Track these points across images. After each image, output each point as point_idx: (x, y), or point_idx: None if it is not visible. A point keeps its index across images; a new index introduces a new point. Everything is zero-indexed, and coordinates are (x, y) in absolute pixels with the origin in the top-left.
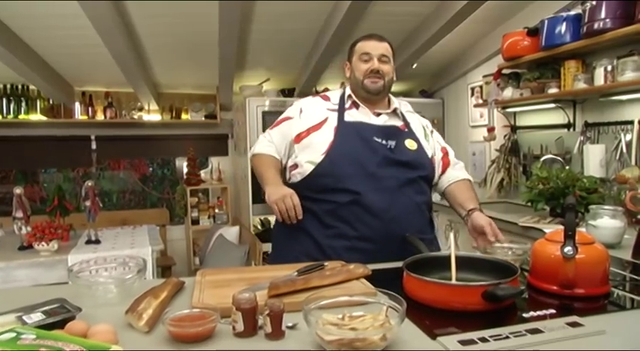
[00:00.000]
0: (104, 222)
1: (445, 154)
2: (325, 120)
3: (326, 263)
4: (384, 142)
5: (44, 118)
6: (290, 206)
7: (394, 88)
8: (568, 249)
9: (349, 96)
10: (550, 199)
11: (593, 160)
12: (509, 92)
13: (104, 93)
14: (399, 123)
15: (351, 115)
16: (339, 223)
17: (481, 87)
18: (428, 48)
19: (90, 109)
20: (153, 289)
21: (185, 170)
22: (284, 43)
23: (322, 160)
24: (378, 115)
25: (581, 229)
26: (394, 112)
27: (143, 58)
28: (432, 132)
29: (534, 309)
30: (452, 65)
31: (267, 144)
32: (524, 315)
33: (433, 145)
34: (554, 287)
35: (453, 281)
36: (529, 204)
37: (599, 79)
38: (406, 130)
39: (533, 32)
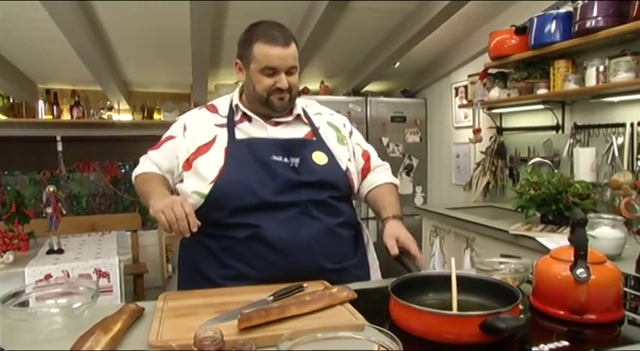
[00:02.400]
0: (71, 228)
1: (367, 159)
2: (214, 139)
3: (305, 284)
4: (285, 160)
5: (4, 118)
6: (181, 215)
7: (374, 87)
8: (581, 271)
9: (237, 106)
10: (541, 205)
11: (584, 163)
12: (495, 92)
13: (70, 91)
14: (304, 130)
15: (243, 131)
16: (236, 263)
17: (466, 87)
18: (411, 46)
19: (55, 108)
20: (104, 320)
21: None
22: None
23: (210, 192)
24: (276, 124)
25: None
26: (297, 117)
27: (111, 55)
28: (350, 134)
29: (540, 339)
30: (435, 64)
31: (150, 164)
32: (534, 349)
33: (351, 149)
34: (562, 312)
35: (454, 311)
36: (519, 210)
37: (591, 79)
38: (314, 138)
39: (521, 31)
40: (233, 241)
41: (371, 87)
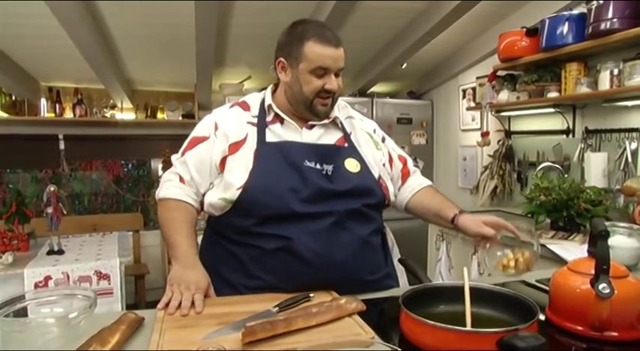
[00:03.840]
0: (73, 227)
1: (405, 163)
2: (245, 138)
3: (311, 294)
4: (318, 166)
5: (6, 116)
6: (186, 306)
7: (380, 88)
8: (603, 286)
9: (270, 106)
10: (552, 211)
11: (595, 169)
12: (504, 95)
13: (73, 89)
14: (336, 136)
15: (274, 133)
16: (264, 274)
17: (473, 89)
18: (420, 46)
19: (57, 106)
20: (101, 332)
21: (160, 173)
22: (266, 39)
23: (238, 198)
24: (311, 127)
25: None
26: (332, 121)
27: (114, 53)
28: (383, 139)
29: None
30: (443, 65)
31: (178, 185)
32: None
33: (387, 154)
34: (580, 328)
35: (468, 326)
36: (529, 215)
37: (604, 83)
38: (346, 145)
39: (532, 32)
40: (262, 251)
41: (377, 88)
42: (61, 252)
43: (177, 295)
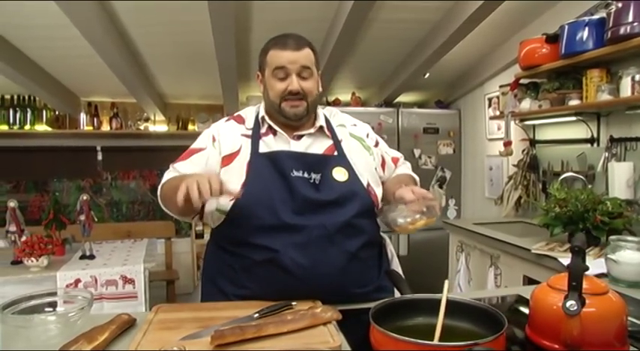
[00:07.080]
0: (109, 234)
1: (396, 164)
2: (239, 150)
3: (294, 302)
4: (305, 175)
5: (50, 129)
6: (206, 191)
7: (408, 98)
8: (571, 304)
9: (263, 118)
10: (568, 224)
11: (619, 179)
12: (527, 104)
13: (110, 103)
14: (326, 144)
15: (267, 144)
16: (252, 284)
17: (498, 97)
18: (440, 56)
19: (95, 119)
20: (92, 330)
21: None
22: None
23: (231, 209)
24: (300, 137)
25: (600, 261)
26: (320, 129)
27: (144, 68)
28: (376, 144)
29: None
30: (468, 74)
31: (179, 176)
32: None
33: (379, 159)
34: (557, 346)
35: (435, 340)
36: (547, 227)
37: (626, 89)
38: (335, 153)
39: (552, 39)
40: (252, 262)
41: (405, 98)
42: (92, 257)
43: (191, 181)
